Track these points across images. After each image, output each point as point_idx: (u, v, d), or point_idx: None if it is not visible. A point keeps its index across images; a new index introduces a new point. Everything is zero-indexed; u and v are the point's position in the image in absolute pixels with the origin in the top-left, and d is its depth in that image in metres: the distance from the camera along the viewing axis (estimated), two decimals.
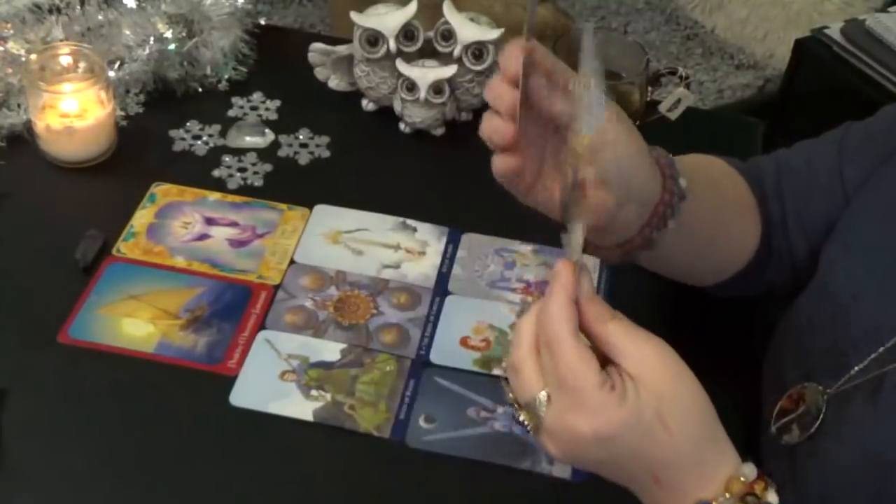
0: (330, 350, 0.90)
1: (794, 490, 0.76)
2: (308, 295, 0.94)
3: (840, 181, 0.84)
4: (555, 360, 0.59)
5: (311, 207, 1.03)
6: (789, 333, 0.84)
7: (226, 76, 1.17)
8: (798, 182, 0.87)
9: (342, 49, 1.13)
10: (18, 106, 1.07)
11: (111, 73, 1.10)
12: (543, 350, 0.60)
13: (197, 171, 1.06)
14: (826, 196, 0.85)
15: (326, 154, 1.11)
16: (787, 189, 0.87)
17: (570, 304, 0.60)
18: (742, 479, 0.60)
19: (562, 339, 0.59)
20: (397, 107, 1.12)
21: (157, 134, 1.11)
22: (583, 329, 0.61)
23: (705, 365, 0.93)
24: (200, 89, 1.17)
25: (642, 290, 0.99)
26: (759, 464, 0.82)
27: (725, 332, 0.94)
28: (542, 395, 0.60)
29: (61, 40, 1.09)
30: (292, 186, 1.06)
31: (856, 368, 0.73)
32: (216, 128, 1.12)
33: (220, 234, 1.00)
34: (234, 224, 1.01)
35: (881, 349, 0.72)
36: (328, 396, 0.86)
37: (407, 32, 1.08)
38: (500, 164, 0.70)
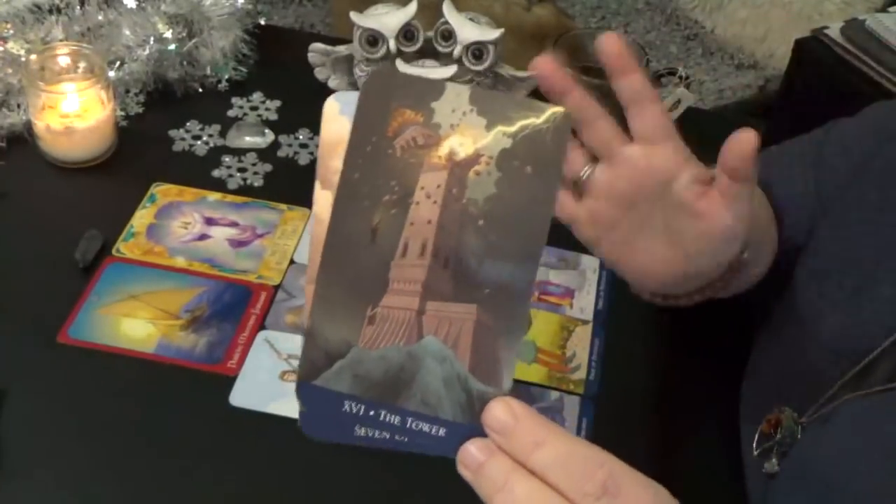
0: None
1: None
2: None
3: (817, 195, 0.84)
4: (624, 500, 0.43)
5: (311, 207, 1.03)
6: (762, 352, 0.83)
7: (226, 76, 1.17)
8: (781, 198, 0.87)
9: (342, 49, 1.13)
10: (18, 106, 1.07)
11: (111, 73, 1.10)
12: (604, 501, 0.42)
13: (197, 171, 1.06)
14: (802, 206, 0.85)
15: None
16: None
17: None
18: None
19: (617, 468, 0.43)
20: None
21: (157, 134, 1.11)
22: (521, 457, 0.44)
23: (704, 368, 0.94)
24: (200, 89, 1.17)
25: None
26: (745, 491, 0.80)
27: (724, 336, 0.94)
28: None
29: (61, 40, 1.09)
30: (292, 186, 1.06)
31: (827, 395, 0.71)
32: (216, 128, 1.12)
33: (220, 234, 1.00)
34: (234, 224, 1.01)
35: (847, 376, 0.70)
36: None
37: (407, 32, 1.08)
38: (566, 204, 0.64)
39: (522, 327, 0.45)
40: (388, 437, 0.45)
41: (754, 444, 0.77)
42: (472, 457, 0.43)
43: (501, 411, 0.43)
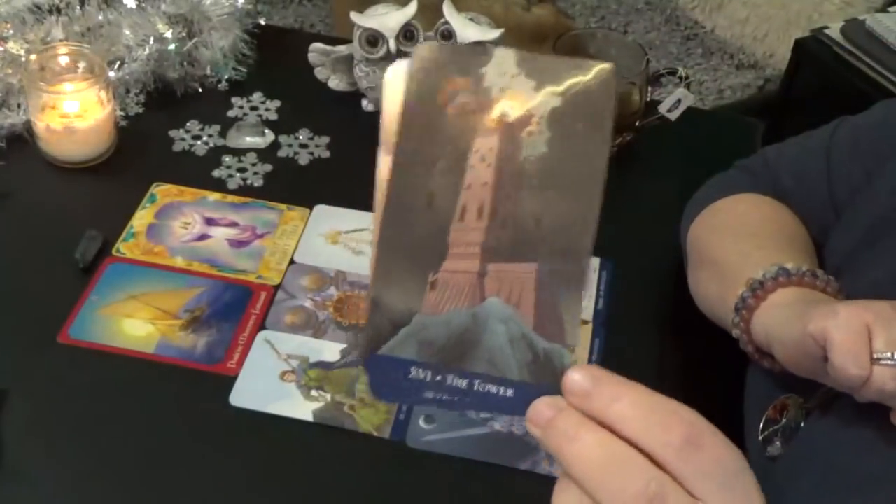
0: (330, 350, 0.90)
1: None
2: (308, 295, 0.94)
3: (831, 203, 0.84)
4: (706, 453, 0.42)
5: (311, 207, 1.03)
6: None
7: (226, 76, 1.17)
8: (793, 206, 0.87)
9: (342, 49, 1.13)
10: (18, 106, 1.07)
11: (111, 73, 1.10)
12: (686, 453, 0.42)
13: (197, 171, 1.06)
14: (817, 220, 0.85)
15: (326, 154, 1.11)
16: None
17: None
18: None
19: (699, 422, 0.43)
20: None
21: (157, 134, 1.11)
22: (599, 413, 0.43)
23: (704, 365, 0.94)
24: (200, 89, 1.17)
25: (642, 291, 0.99)
26: None
27: (724, 336, 0.94)
28: None
29: (61, 40, 1.09)
30: (292, 186, 1.06)
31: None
32: (216, 128, 1.12)
33: (220, 234, 1.00)
34: (233, 224, 1.01)
35: None
36: (328, 397, 0.86)
37: (407, 32, 1.08)
38: None
39: (583, 282, 0.44)
40: (456, 399, 0.45)
41: (760, 428, 0.77)
42: (541, 413, 0.43)
43: (581, 376, 0.43)
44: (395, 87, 0.46)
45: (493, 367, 0.44)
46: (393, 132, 0.45)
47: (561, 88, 0.44)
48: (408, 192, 0.45)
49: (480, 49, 0.46)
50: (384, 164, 0.45)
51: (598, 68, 0.44)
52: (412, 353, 0.45)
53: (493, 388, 0.45)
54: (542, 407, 0.43)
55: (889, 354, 0.62)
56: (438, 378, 0.45)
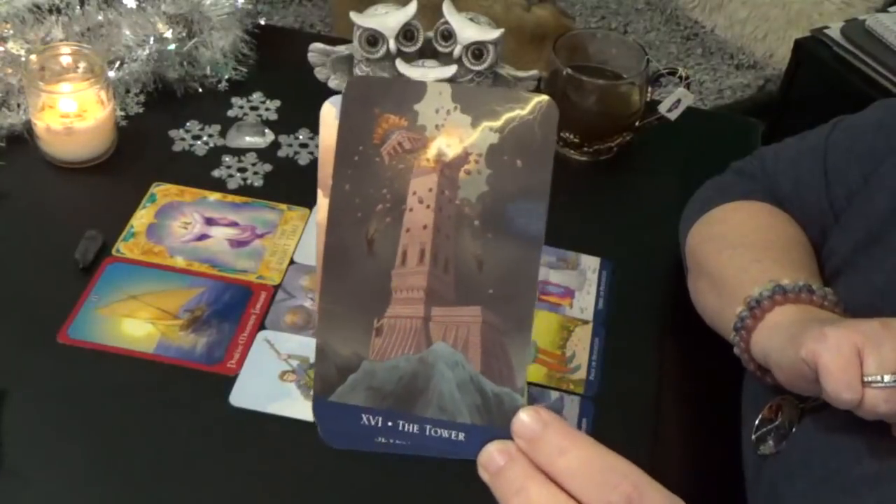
0: None
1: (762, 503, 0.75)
2: (308, 295, 0.94)
3: (829, 206, 0.84)
4: None
5: (311, 207, 1.03)
6: None
7: (226, 76, 1.18)
8: (791, 210, 0.87)
9: (342, 49, 1.13)
10: (18, 106, 1.07)
11: (111, 73, 1.10)
12: None
13: (197, 171, 1.06)
14: (816, 222, 0.85)
15: None
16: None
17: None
18: None
19: (642, 479, 0.43)
20: None
21: (157, 134, 1.11)
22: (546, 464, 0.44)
23: (704, 365, 0.94)
24: (200, 89, 1.17)
25: (642, 291, 0.99)
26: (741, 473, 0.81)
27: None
28: None
29: (61, 40, 1.09)
30: (292, 186, 1.06)
31: None
32: (216, 128, 1.12)
33: (220, 234, 1.00)
34: (233, 224, 1.01)
35: None
36: None
37: (407, 32, 1.08)
38: None
39: (530, 324, 0.44)
40: (408, 444, 0.45)
41: (754, 428, 0.77)
42: (491, 460, 0.43)
43: (530, 418, 0.43)
44: (329, 124, 0.45)
45: (443, 411, 0.44)
46: (329, 171, 0.44)
47: (498, 124, 0.44)
48: (347, 237, 0.44)
49: (414, 85, 0.45)
50: (322, 206, 0.45)
51: (536, 101, 0.44)
52: (361, 400, 0.45)
53: (444, 433, 0.44)
54: (492, 452, 0.44)
55: (879, 377, 0.62)
56: (389, 424, 0.45)
